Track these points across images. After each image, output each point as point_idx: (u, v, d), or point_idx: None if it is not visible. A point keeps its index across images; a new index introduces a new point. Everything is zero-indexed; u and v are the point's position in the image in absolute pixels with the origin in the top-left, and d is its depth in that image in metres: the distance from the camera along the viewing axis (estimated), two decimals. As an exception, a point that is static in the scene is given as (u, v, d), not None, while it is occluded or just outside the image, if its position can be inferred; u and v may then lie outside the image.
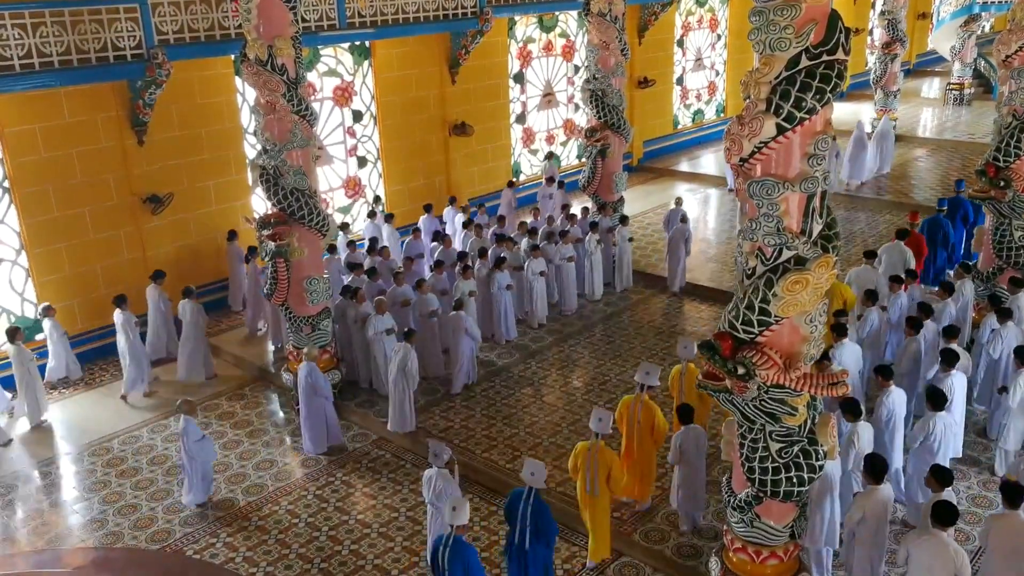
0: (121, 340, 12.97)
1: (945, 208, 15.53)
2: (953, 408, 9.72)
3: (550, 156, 22.00)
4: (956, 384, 9.85)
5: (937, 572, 7.00)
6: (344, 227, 16.54)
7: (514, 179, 21.20)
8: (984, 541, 7.54)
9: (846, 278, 13.33)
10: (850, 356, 10.52)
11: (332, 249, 15.25)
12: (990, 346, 11.07)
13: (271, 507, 10.40)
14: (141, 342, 13.34)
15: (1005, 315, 11.09)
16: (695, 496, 9.36)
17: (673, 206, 17.41)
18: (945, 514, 7.07)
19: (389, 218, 17.29)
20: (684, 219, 16.61)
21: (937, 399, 9.17)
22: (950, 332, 10.59)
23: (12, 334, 12.24)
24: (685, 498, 9.38)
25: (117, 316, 12.97)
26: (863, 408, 9.20)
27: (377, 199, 18.52)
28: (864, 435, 8.87)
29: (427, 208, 17.69)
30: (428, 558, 8.19)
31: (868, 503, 7.83)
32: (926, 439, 9.12)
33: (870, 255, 13.64)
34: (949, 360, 9.96)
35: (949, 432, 9.27)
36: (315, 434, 11.41)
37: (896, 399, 9.56)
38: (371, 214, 17.39)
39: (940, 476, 7.69)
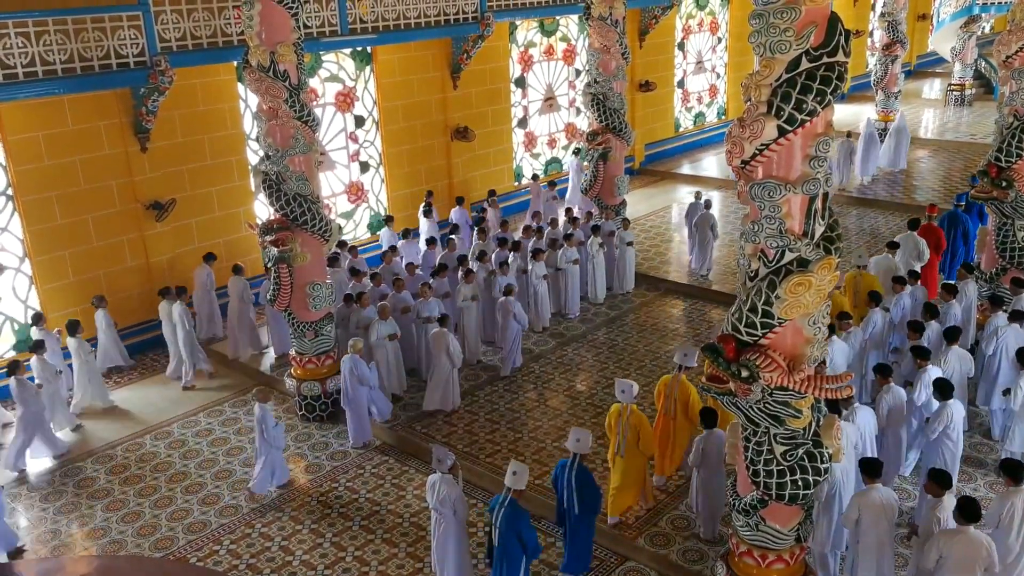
0: (168, 331, 13.61)
1: (963, 203, 15.63)
2: (899, 389, 9.90)
3: (577, 152, 21.95)
4: (928, 380, 9.94)
5: (970, 568, 7.02)
6: (342, 245, 16.23)
7: (538, 175, 21.20)
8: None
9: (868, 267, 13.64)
10: (840, 354, 10.55)
11: (336, 255, 15.30)
12: (986, 343, 11.05)
13: (274, 513, 10.40)
14: (194, 330, 13.86)
15: (1017, 317, 11.09)
16: (715, 501, 9.31)
17: (693, 200, 17.84)
18: (971, 510, 7.11)
19: (388, 221, 17.30)
20: (708, 206, 17.37)
21: (944, 389, 9.19)
22: (951, 334, 10.58)
23: (73, 327, 12.68)
24: (705, 503, 9.35)
25: (165, 307, 13.59)
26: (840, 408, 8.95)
27: (430, 193, 18.77)
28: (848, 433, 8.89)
29: (426, 212, 17.71)
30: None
31: (865, 503, 7.80)
32: (945, 429, 9.13)
33: (892, 245, 14.00)
34: (922, 355, 10.14)
35: (961, 421, 9.32)
36: (358, 425, 11.67)
37: (896, 396, 9.59)
38: (427, 212, 17.72)
39: (939, 480, 7.66)
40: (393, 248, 15.46)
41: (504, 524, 7.96)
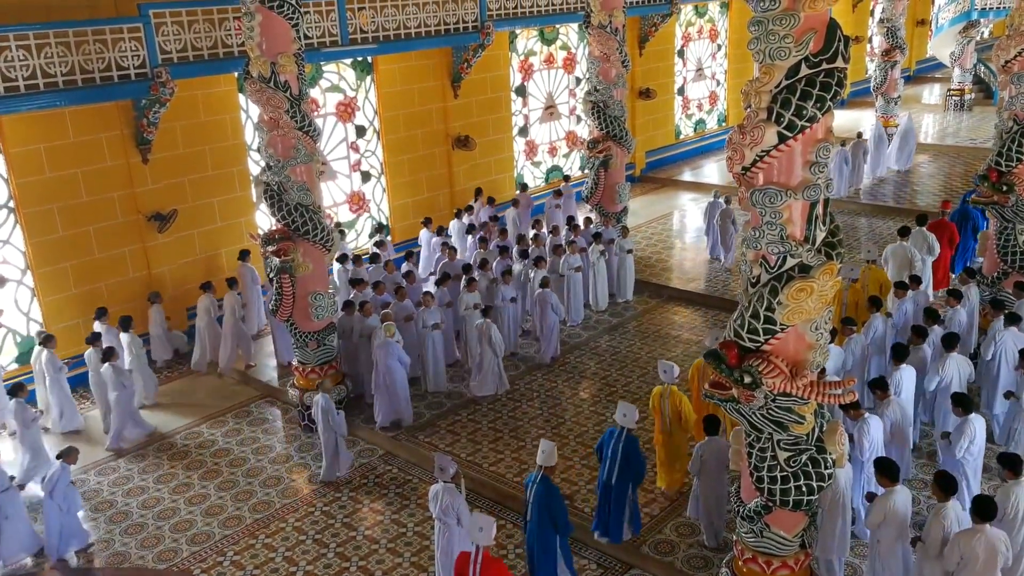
0: (203, 323, 14.32)
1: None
2: (909, 403, 9.98)
3: (426, 223, 21.43)
4: (904, 378, 10.05)
5: (990, 566, 7.04)
6: (342, 256, 16.25)
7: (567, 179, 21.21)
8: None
9: (881, 256, 14.16)
10: (834, 360, 10.57)
11: (343, 259, 15.36)
12: (985, 347, 11.03)
13: (278, 524, 10.39)
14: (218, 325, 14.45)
15: (1013, 320, 11.07)
16: (717, 509, 9.27)
17: (712, 198, 18.38)
18: (986, 508, 7.13)
19: (379, 230, 17.32)
20: (728, 201, 17.65)
21: (965, 403, 9.16)
22: (949, 341, 10.53)
23: (126, 323, 13.13)
24: (706, 511, 9.32)
25: (204, 301, 14.29)
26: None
27: (479, 191, 19.07)
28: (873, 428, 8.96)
29: (425, 222, 17.73)
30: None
31: (888, 505, 7.79)
32: (970, 444, 9.09)
33: (904, 232, 14.28)
34: (899, 355, 10.21)
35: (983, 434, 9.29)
36: (386, 408, 12.21)
37: (900, 409, 9.57)
38: (469, 207, 18.48)
39: (944, 484, 7.63)
40: (386, 260, 15.45)
41: (536, 501, 8.32)
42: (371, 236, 17.21)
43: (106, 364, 12.08)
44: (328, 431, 11.03)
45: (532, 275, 14.71)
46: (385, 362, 12.01)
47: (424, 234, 17.75)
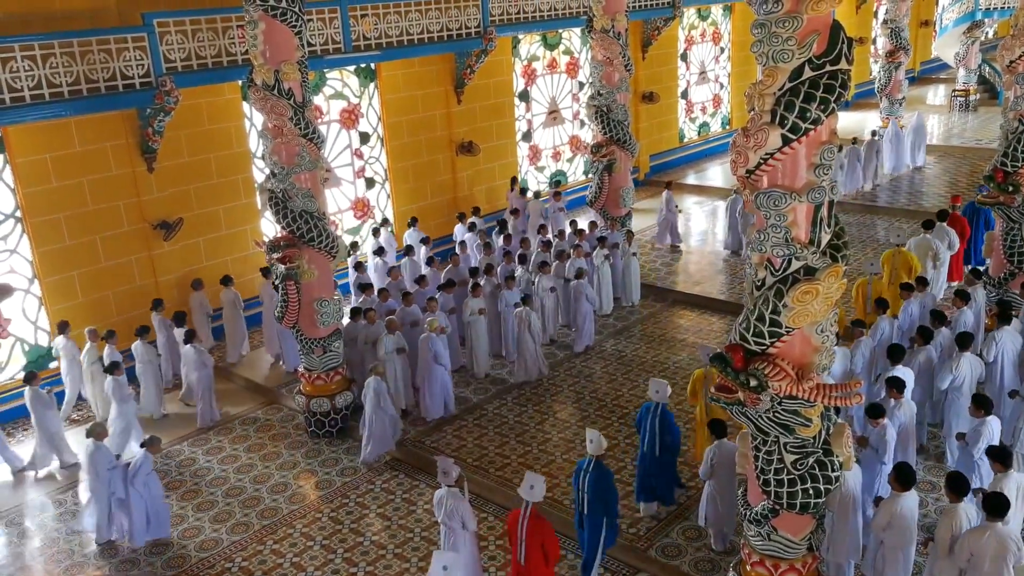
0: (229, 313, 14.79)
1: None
2: (911, 402, 9.93)
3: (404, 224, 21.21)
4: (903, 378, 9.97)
5: (999, 563, 7.03)
6: (354, 246, 16.71)
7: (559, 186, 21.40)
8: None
9: (907, 246, 14.33)
10: (840, 362, 10.55)
11: (359, 267, 15.52)
12: (986, 349, 10.98)
13: (286, 530, 10.40)
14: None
15: (1005, 318, 11.07)
16: (727, 512, 9.23)
17: (734, 194, 18.51)
18: (997, 506, 7.13)
19: (377, 232, 17.35)
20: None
21: (985, 404, 9.12)
22: (963, 340, 10.52)
23: (142, 333, 13.30)
24: (715, 514, 9.26)
25: (226, 294, 14.76)
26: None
27: (514, 179, 19.46)
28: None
29: (411, 222, 17.86)
30: (574, 479, 9.18)
31: (895, 509, 7.77)
32: (988, 445, 9.04)
33: (928, 225, 14.64)
34: (896, 356, 10.19)
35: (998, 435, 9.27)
36: (434, 400, 12.57)
37: (908, 411, 9.54)
38: (522, 191, 19.28)
39: (956, 485, 7.61)
40: (391, 267, 15.57)
41: (590, 487, 8.65)
42: (374, 233, 17.32)
43: (109, 377, 11.99)
44: (377, 411, 11.39)
45: (536, 280, 14.72)
46: (426, 356, 12.42)
47: (459, 228, 18.15)
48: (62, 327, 13.11)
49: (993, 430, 9.03)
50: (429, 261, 16.16)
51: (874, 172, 22.55)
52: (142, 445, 10.26)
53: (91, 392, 13.21)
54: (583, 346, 14.60)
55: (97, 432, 10.17)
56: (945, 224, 14.79)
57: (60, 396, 13.25)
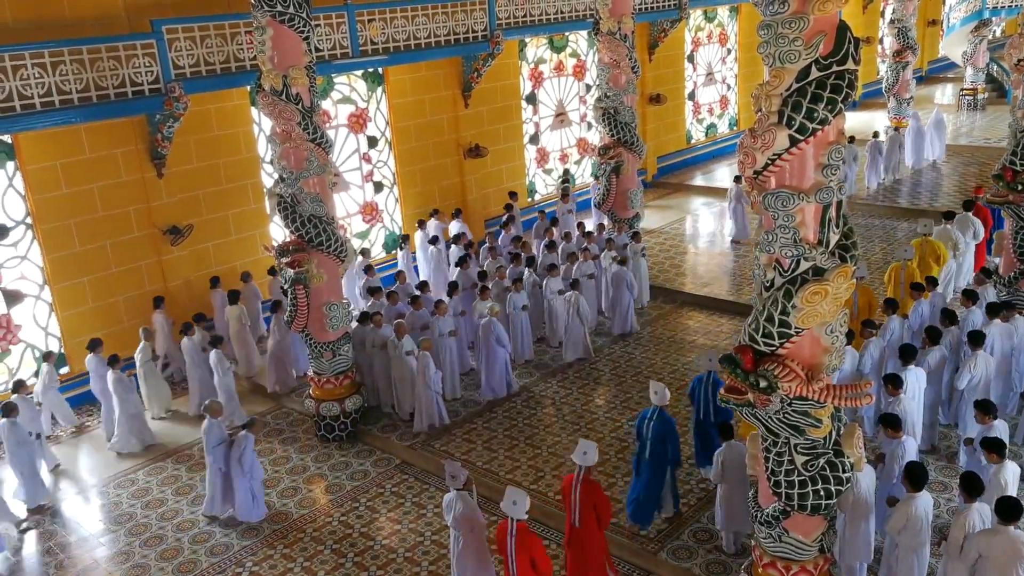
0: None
1: None
2: (914, 401, 9.94)
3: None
4: (911, 379, 9.98)
5: (1011, 565, 7.02)
6: (364, 252, 16.75)
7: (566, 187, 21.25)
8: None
9: (933, 235, 14.58)
10: (848, 361, 10.52)
11: (368, 270, 15.57)
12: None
13: (296, 535, 10.42)
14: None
15: (993, 312, 11.09)
16: (739, 514, 9.16)
17: (733, 184, 19.17)
18: (1009, 510, 7.12)
19: (404, 240, 17.38)
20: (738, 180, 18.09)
21: (990, 409, 9.09)
22: (977, 339, 10.47)
23: (187, 330, 13.49)
24: (728, 517, 9.24)
25: (231, 310, 14.62)
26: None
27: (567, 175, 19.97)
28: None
29: (420, 224, 17.94)
30: (636, 427, 9.87)
31: (910, 510, 7.75)
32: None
33: (949, 216, 15.23)
34: (907, 356, 10.14)
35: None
36: (498, 381, 13.23)
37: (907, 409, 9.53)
38: (563, 193, 19.53)
39: (969, 486, 7.58)
40: (398, 271, 15.61)
41: (654, 434, 9.33)
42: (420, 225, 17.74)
43: (110, 371, 12.19)
44: (425, 388, 12.17)
45: (545, 283, 14.72)
46: (488, 340, 12.97)
47: (455, 224, 18.27)
48: (93, 345, 13.04)
49: (999, 433, 8.97)
50: (460, 261, 15.94)
51: (895, 166, 22.85)
52: (244, 427, 10.65)
53: (146, 391, 13.38)
54: (621, 330, 15.08)
55: (213, 409, 10.67)
56: (970, 214, 15.19)
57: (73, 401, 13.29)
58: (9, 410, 11.14)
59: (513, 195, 19.45)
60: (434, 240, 16.95)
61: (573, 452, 8.48)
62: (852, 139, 22.31)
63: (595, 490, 8.44)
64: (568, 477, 8.58)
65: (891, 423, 8.84)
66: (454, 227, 17.99)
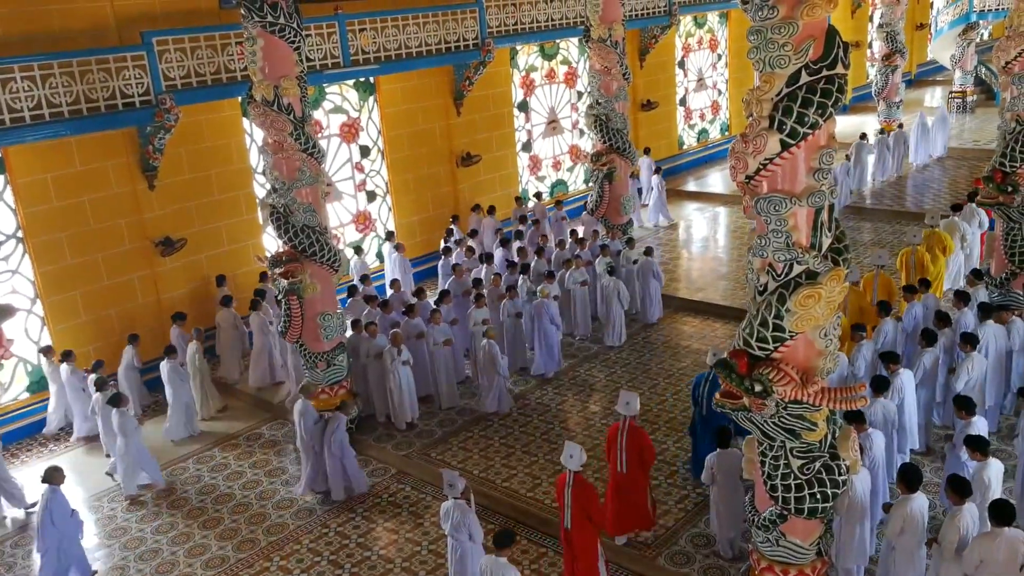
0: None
1: None
2: (905, 405, 9.98)
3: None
4: (904, 382, 10.02)
5: (1010, 567, 7.05)
6: (358, 250, 16.93)
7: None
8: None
9: (941, 226, 14.90)
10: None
11: (364, 279, 15.59)
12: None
13: (293, 546, 10.37)
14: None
15: (986, 312, 11.15)
16: (733, 520, 9.17)
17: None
18: (1004, 512, 7.14)
19: (399, 248, 17.37)
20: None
21: (967, 406, 9.12)
22: (971, 341, 10.50)
23: (169, 351, 13.25)
24: (721, 522, 9.23)
25: (224, 315, 14.76)
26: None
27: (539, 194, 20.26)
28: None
29: (475, 208, 18.49)
30: (692, 390, 10.66)
31: (905, 513, 7.75)
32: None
33: (956, 208, 15.79)
34: (894, 359, 10.19)
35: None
36: (552, 358, 14.03)
37: (879, 411, 9.57)
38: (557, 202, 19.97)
39: (958, 487, 7.58)
40: (393, 279, 15.59)
41: (710, 394, 9.59)
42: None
43: (113, 410, 11.65)
44: (491, 373, 12.74)
45: (539, 288, 14.70)
46: (542, 319, 13.66)
47: (488, 220, 18.88)
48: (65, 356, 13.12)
49: (980, 431, 9.02)
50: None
51: (899, 163, 23.19)
52: (337, 408, 11.31)
53: (196, 391, 13.53)
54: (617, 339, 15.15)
55: (309, 390, 11.26)
56: (973, 204, 15.49)
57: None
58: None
59: (537, 195, 20.53)
60: (473, 234, 17.83)
61: (563, 458, 8.41)
62: (900, 125, 23.46)
63: (641, 435, 9.22)
64: (614, 426, 9.20)
65: (856, 417, 8.81)
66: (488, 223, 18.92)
